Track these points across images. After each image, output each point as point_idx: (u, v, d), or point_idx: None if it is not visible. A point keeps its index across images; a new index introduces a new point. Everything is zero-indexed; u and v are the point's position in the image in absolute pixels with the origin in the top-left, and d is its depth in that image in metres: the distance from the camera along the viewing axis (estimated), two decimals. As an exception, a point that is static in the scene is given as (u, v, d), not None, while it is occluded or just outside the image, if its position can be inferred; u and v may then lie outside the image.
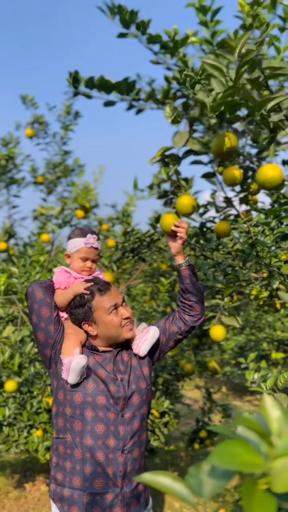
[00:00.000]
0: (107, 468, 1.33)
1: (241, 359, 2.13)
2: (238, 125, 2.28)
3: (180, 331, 1.56)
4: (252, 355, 2.15)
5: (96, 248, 1.52)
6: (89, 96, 1.74)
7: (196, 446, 3.58)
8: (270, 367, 5.87)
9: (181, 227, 1.54)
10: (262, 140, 1.34)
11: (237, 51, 1.14)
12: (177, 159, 1.73)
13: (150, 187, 2.03)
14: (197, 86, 1.28)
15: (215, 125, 1.37)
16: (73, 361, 1.32)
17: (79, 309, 1.43)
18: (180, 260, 1.58)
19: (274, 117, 1.34)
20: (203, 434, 3.57)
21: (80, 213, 4.29)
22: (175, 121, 1.56)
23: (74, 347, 1.39)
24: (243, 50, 1.14)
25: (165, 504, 3.16)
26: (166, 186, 2.01)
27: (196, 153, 1.72)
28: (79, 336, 1.44)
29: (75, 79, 1.63)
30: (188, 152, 1.70)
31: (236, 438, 0.42)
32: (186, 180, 1.80)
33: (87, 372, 1.38)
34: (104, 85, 1.65)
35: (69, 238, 1.55)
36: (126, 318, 1.43)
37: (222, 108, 1.24)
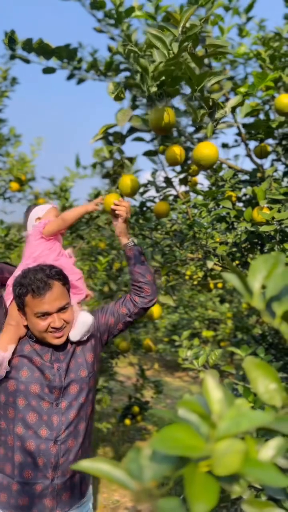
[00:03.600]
0: (37, 458, 1.28)
1: (175, 337, 2.18)
2: (181, 106, 2.27)
3: (129, 313, 1.51)
4: (185, 333, 2.20)
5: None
6: (26, 61, 1.62)
7: (128, 421, 3.65)
8: (201, 344, 6.11)
9: (120, 206, 1.51)
10: (200, 116, 1.33)
11: (181, 25, 1.11)
12: (120, 137, 1.68)
13: (94, 165, 1.97)
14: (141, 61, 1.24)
15: (155, 95, 1.34)
16: None
17: (16, 298, 1.35)
18: (124, 240, 1.55)
19: (215, 95, 1.34)
20: (135, 410, 3.64)
21: (15, 185, 4.08)
22: (118, 98, 1.51)
23: (9, 343, 1.33)
24: (187, 25, 1.11)
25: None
26: (109, 164, 1.96)
27: (139, 130, 1.68)
28: (19, 330, 1.36)
29: (11, 39, 1.50)
30: (132, 130, 1.66)
31: (177, 421, 0.41)
32: (130, 159, 1.76)
33: (21, 360, 1.33)
34: (43, 49, 1.54)
35: (29, 211, 1.57)
36: (54, 328, 1.32)
37: (163, 78, 1.21)
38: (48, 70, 1.74)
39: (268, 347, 2.76)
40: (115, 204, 1.52)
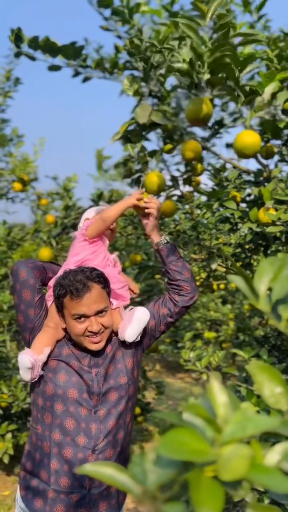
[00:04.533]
0: (74, 467, 1.23)
1: (182, 339, 2.17)
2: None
3: (170, 313, 1.43)
4: (188, 335, 2.20)
5: None
6: (32, 58, 1.62)
7: (129, 422, 3.65)
8: (203, 345, 6.11)
9: (151, 203, 1.45)
10: (240, 104, 1.32)
11: (210, 15, 1.10)
12: (140, 134, 1.64)
13: (116, 166, 1.95)
14: (157, 56, 1.23)
15: (203, 85, 1.30)
16: (20, 358, 1.24)
17: (56, 299, 1.32)
18: (156, 239, 1.48)
19: (252, 82, 1.33)
20: (136, 411, 3.63)
21: (17, 186, 4.09)
22: (137, 93, 1.47)
23: (46, 345, 1.30)
24: (215, 15, 1.10)
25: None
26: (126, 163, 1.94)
27: (159, 126, 1.63)
28: (57, 333, 1.33)
29: (17, 37, 1.50)
30: (152, 126, 1.62)
31: (183, 425, 0.40)
32: (152, 156, 1.74)
33: (59, 363, 1.30)
34: (49, 47, 1.53)
35: (84, 212, 1.56)
36: (91, 332, 1.27)
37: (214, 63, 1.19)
38: (53, 68, 1.73)
39: (271, 348, 2.75)
40: (145, 202, 1.45)
